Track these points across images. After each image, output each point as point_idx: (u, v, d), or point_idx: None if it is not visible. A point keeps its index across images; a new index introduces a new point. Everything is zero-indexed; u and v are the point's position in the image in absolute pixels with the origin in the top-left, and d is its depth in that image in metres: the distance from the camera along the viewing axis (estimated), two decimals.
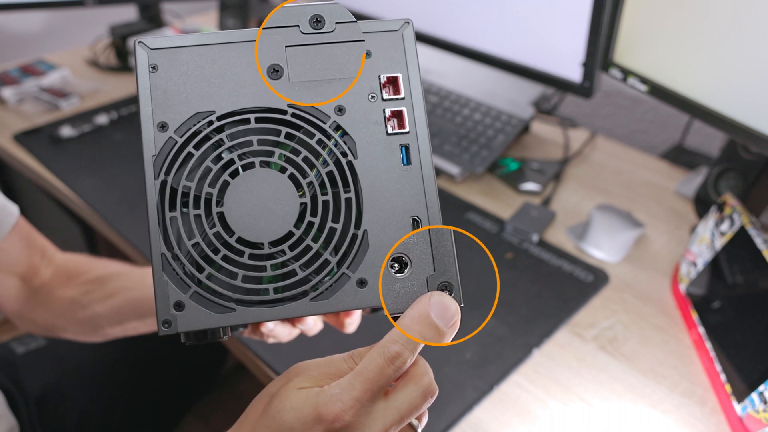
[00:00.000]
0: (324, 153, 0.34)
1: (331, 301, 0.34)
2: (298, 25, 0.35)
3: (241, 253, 0.32)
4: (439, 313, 0.31)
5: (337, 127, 0.34)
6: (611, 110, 1.22)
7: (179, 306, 0.32)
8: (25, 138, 0.97)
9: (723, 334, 0.60)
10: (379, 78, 0.36)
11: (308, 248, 0.33)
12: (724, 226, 0.64)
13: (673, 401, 0.59)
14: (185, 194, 0.33)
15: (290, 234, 0.33)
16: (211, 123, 0.34)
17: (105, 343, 0.86)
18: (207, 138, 0.34)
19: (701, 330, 0.63)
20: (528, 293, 0.69)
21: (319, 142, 0.34)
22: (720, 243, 0.64)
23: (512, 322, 0.65)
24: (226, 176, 0.33)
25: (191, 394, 1.00)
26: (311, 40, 0.35)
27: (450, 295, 0.33)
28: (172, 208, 0.33)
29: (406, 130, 0.35)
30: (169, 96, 0.34)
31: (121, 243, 0.80)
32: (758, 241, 0.59)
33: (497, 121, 0.91)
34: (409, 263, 0.34)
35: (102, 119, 1.00)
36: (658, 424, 0.57)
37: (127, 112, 1.03)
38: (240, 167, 0.33)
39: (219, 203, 0.33)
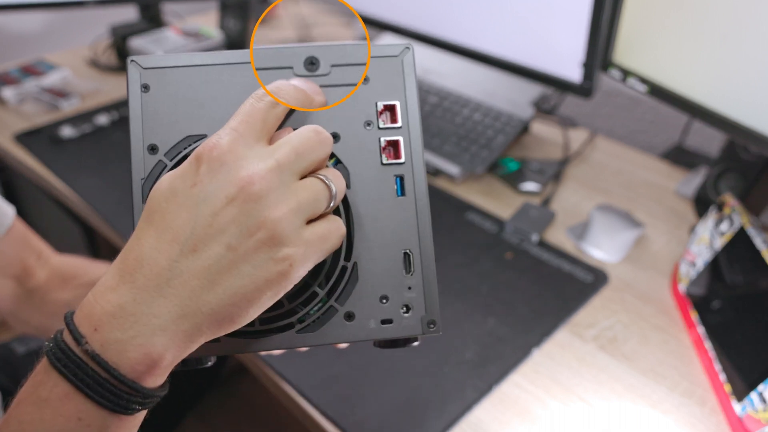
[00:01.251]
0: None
1: (318, 334, 0.33)
2: (291, 67, 0.34)
3: None
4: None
5: (331, 156, 0.33)
6: (611, 110, 1.23)
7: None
8: (25, 138, 0.97)
9: (722, 334, 0.60)
10: (376, 105, 0.34)
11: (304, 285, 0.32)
12: (724, 226, 0.65)
13: (673, 401, 0.59)
14: None
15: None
16: (198, 141, 0.32)
17: None
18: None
19: (701, 330, 0.63)
20: (528, 293, 0.69)
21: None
22: (719, 243, 0.64)
23: (512, 322, 0.66)
24: None
25: (191, 396, 1.00)
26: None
27: (433, 327, 0.34)
28: None
29: (402, 160, 0.34)
30: (160, 117, 0.33)
31: (121, 243, 0.80)
32: (758, 241, 0.59)
33: (497, 122, 0.91)
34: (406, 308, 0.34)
35: (102, 119, 1.00)
36: (658, 424, 0.57)
37: (127, 112, 1.03)
38: None
39: None
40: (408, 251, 0.34)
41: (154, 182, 0.32)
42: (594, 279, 0.71)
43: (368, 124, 0.34)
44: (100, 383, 0.27)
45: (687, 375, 0.61)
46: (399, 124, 0.34)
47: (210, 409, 1.31)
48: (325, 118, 0.33)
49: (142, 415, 0.30)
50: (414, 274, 0.34)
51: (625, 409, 0.58)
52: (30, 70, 1.13)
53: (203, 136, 0.33)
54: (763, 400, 0.52)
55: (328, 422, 0.56)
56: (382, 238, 0.33)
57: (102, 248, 1.04)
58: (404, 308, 0.35)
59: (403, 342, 0.36)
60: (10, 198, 1.26)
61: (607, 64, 0.79)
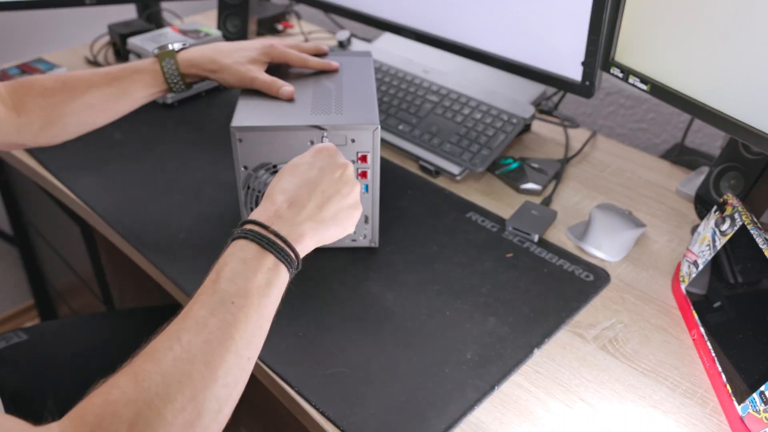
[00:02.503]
0: None
1: None
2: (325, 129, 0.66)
3: None
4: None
5: None
6: (612, 109, 1.22)
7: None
8: None
9: (724, 334, 0.60)
10: (357, 153, 0.67)
11: None
12: (725, 226, 0.64)
13: (674, 401, 0.59)
14: (261, 195, 0.67)
15: None
16: (270, 167, 0.67)
17: (89, 338, 0.86)
18: (269, 173, 0.67)
19: (702, 330, 0.63)
20: (529, 293, 0.69)
21: None
22: (721, 242, 0.64)
23: (513, 322, 0.65)
24: None
25: None
26: None
27: (374, 244, 0.74)
28: (250, 204, 0.69)
29: (368, 180, 0.69)
30: (248, 152, 0.66)
31: (119, 242, 0.80)
32: (759, 241, 0.59)
33: (497, 121, 0.91)
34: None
35: None
36: (659, 425, 0.57)
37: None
38: None
39: None
40: (366, 215, 0.72)
41: (249, 176, 0.68)
42: (595, 279, 0.71)
43: (353, 162, 0.67)
44: (279, 248, 0.49)
45: (688, 375, 0.61)
46: (368, 164, 0.68)
47: None
48: None
49: (287, 279, 0.50)
50: (368, 224, 0.72)
51: (626, 409, 0.58)
52: (29, 70, 1.12)
53: (270, 163, 0.67)
54: (764, 400, 0.52)
55: (327, 422, 0.56)
56: None
57: (101, 247, 1.04)
58: (363, 236, 0.73)
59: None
60: (10, 197, 1.26)
61: (608, 63, 0.79)
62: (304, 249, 0.52)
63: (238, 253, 0.48)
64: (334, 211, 0.54)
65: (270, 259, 0.48)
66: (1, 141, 0.66)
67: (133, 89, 0.69)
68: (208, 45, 0.74)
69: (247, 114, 0.68)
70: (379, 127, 0.65)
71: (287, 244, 0.49)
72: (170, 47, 0.71)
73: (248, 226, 0.50)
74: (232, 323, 0.44)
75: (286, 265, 0.49)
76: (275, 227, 0.49)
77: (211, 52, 0.72)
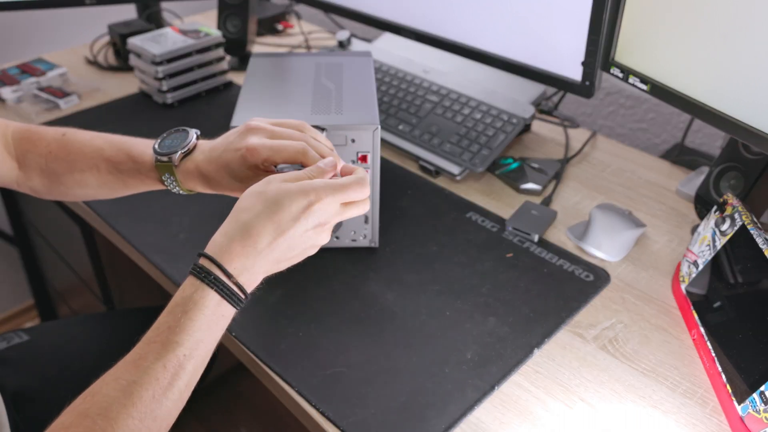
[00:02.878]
0: None
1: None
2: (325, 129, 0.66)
3: None
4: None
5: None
6: (612, 109, 1.22)
7: None
8: None
9: (724, 334, 0.60)
10: (357, 154, 0.67)
11: None
12: (725, 226, 0.64)
13: (674, 401, 0.59)
14: None
15: None
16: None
17: (89, 338, 0.86)
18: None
19: (702, 330, 0.63)
20: (529, 293, 0.69)
21: None
22: (721, 242, 0.64)
23: (513, 322, 0.65)
24: None
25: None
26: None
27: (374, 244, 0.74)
28: None
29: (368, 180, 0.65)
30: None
31: (119, 242, 0.80)
32: (759, 241, 0.59)
33: (497, 120, 0.91)
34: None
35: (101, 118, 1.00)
36: (659, 425, 0.57)
37: (127, 112, 1.03)
38: None
39: None
40: (365, 215, 0.72)
41: None
42: (595, 279, 0.71)
43: (353, 161, 0.67)
44: (238, 299, 0.49)
45: (688, 375, 0.61)
46: (368, 164, 0.68)
47: (209, 409, 1.31)
48: None
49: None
50: (368, 224, 0.73)
51: (626, 409, 0.58)
52: (29, 70, 1.12)
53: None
54: (764, 400, 0.52)
55: (327, 422, 0.56)
56: None
57: (101, 247, 1.04)
58: (363, 236, 0.74)
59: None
60: (11, 198, 1.26)
61: (608, 63, 0.79)
62: (253, 288, 0.51)
63: (199, 302, 0.47)
64: (296, 255, 0.52)
65: (228, 309, 0.48)
66: (1, 182, 0.66)
67: (133, 184, 0.65)
68: (207, 155, 0.62)
69: (247, 113, 0.68)
70: (379, 127, 0.66)
71: (245, 293, 0.49)
72: (174, 155, 0.61)
73: (210, 268, 0.48)
74: (183, 377, 0.45)
75: (237, 309, 0.49)
76: (236, 274, 0.48)
77: (208, 183, 0.62)
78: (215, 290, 0.47)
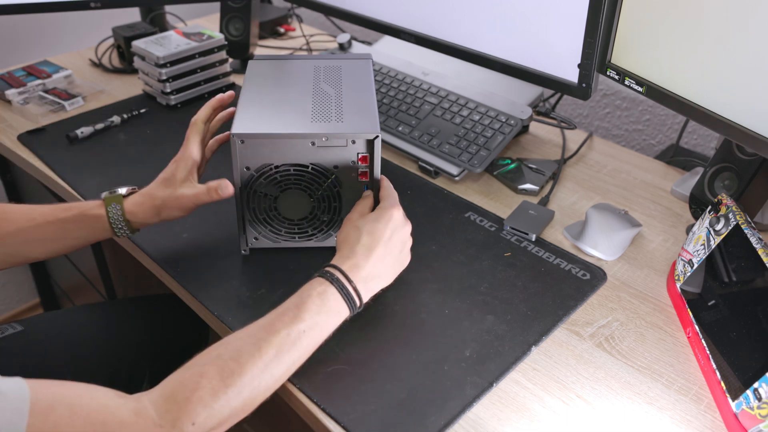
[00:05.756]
0: (324, 185, 0.69)
1: (325, 240, 0.74)
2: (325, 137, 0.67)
3: (283, 222, 0.72)
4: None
5: (331, 174, 0.69)
6: (608, 111, 1.23)
7: (256, 239, 0.73)
8: (29, 138, 0.98)
9: (718, 332, 0.61)
10: (358, 155, 0.68)
11: (315, 222, 0.72)
12: (720, 226, 0.65)
13: (669, 398, 0.60)
14: (262, 194, 0.70)
15: (307, 216, 0.72)
16: (271, 168, 0.68)
17: (83, 328, 0.87)
18: (270, 174, 0.69)
19: (697, 328, 0.64)
20: (526, 291, 0.70)
21: (323, 180, 0.69)
22: (715, 242, 0.65)
23: (511, 320, 0.66)
24: (278, 192, 0.70)
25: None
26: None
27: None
28: (251, 204, 0.70)
29: (368, 180, 0.69)
30: (251, 154, 0.67)
31: (123, 241, 0.81)
32: (753, 240, 0.60)
33: (495, 122, 0.92)
34: None
35: (107, 120, 1.01)
36: (655, 421, 0.58)
37: (131, 113, 1.04)
38: (285, 187, 0.70)
39: (275, 203, 0.70)
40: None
41: (250, 178, 0.69)
42: (591, 277, 0.72)
43: (353, 162, 0.68)
44: (353, 302, 0.59)
45: (683, 372, 0.62)
46: (368, 165, 0.69)
47: None
48: (334, 158, 0.68)
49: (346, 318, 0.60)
50: None
51: (622, 406, 0.59)
52: (34, 72, 1.14)
53: (272, 164, 0.68)
54: (758, 397, 0.53)
55: (329, 419, 0.57)
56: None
57: (105, 247, 1.05)
58: None
59: None
60: (17, 197, 1.27)
61: (604, 65, 0.80)
62: (368, 298, 0.62)
63: (323, 295, 0.58)
64: (400, 265, 0.66)
65: (344, 308, 0.59)
66: None
67: (73, 231, 0.67)
68: (154, 189, 0.69)
69: (247, 123, 0.67)
70: (380, 135, 0.66)
71: (360, 299, 0.60)
72: (118, 191, 0.69)
73: (336, 274, 0.59)
74: (298, 348, 0.55)
75: (351, 312, 0.60)
76: (355, 281, 0.59)
77: (150, 199, 0.68)
78: (336, 288, 0.58)
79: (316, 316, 0.56)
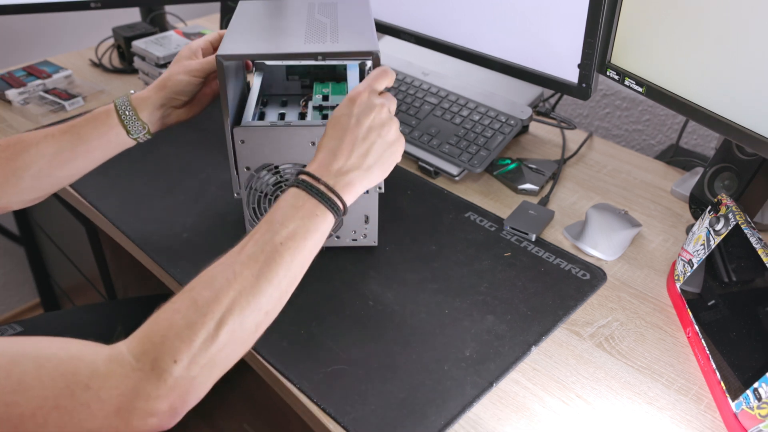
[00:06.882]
0: None
1: (328, 240, 0.66)
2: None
3: None
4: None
5: None
6: (608, 111, 1.23)
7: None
8: None
9: (718, 332, 0.61)
10: None
11: None
12: (720, 226, 0.65)
13: (669, 398, 0.60)
14: (263, 194, 0.70)
15: None
16: (271, 168, 0.68)
17: (83, 329, 0.87)
18: (270, 173, 0.69)
19: (697, 328, 0.64)
20: (526, 291, 0.70)
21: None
22: (715, 242, 0.65)
23: (511, 320, 0.66)
24: (278, 191, 0.69)
25: None
26: None
27: (374, 243, 0.75)
28: (251, 204, 0.71)
29: None
30: (251, 155, 0.67)
31: (124, 241, 0.81)
32: (753, 240, 0.60)
33: (495, 122, 0.92)
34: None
35: None
36: (655, 421, 0.58)
37: None
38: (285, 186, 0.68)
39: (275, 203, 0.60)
40: (366, 215, 0.72)
41: (251, 176, 0.69)
42: (591, 277, 0.72)
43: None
44: (328, 198, 0.54)
45: (683, 372, 0.62)
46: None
47: (212, 406, 1.32)
48: None
49: (331, 226, 0.55)
50: (368, 223, 0.73)
51: (622, 406, 0.59)
52: (34, 72, 1.14)
53: (272, 164, 0.68)
54: (758, 397, 0.53)
55: (328, 419, 0.57)
56: (355, 210, 0.72)
57: (106, 247, 1.05)
58: (363, 235, 0.74)
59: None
60: None
61: (604, 65, 0.80)
62: (351, 197, 0.56)
63: (291, 200, 0.53)
64: (377, 156, 0.57)
65: (320, 208, 0.53)
66: None
67: (87, 134, 0.66)
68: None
69: (235, 45, 0.63)
70: (380, 52, 0.61)
71: (336, 194, 0.54)
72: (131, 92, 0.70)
73: (302, 177, 0.54)
74: (278, 261, 0.50)
75: (333, 213, 0.54)
76: (325, 179, 0.54)
77: (155, 80, 0.71)
78: (304, 190, 0.53)
79: (291, 223, 0.52)
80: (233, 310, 0.47)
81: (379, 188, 0.70)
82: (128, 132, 0.68)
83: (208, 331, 0.46)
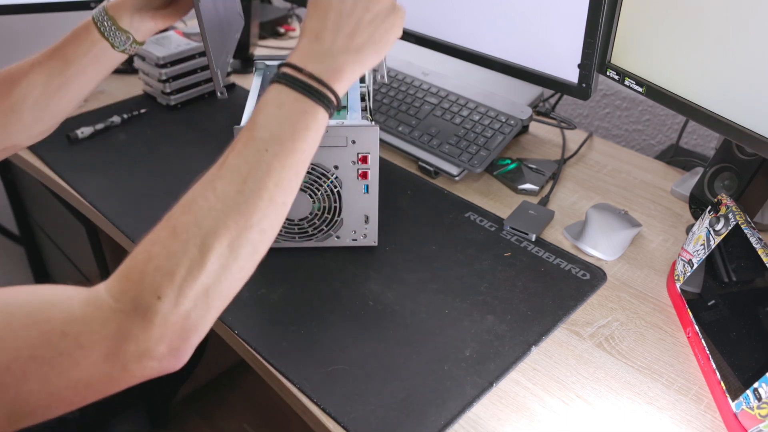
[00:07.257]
0: (325, 185, 0.70)
1: (326, 241, 0.74)
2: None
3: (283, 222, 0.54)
4: None
5: (335, 176, 0.69)
6: (608, 111, 1.23)
7: None
8: None
9: (718, 332, 0.61)
10: (357, 154, 0.68)
11: (315, 222, 0.73)
12: (720, 226, 0.65)
13: (669, 398, 0.60)
14: None
15: (307, 216, 0.72)
16: None
17: None
18: None
19: (697, 328, 0.64)
20: (526, 291, 0.70)
21: (324, 180, 0.70)
22: (715, 242, 0.65)
23: (511, 320, 0.66)
24: None
25: (178, 376, 1.00)
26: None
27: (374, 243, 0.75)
28: None
29: (368, 180, 0.70)
30: None
31: (124, 241, 0.81)
32: (753, 240, 0.60)
33: (495, 122, 0.92)
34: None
35: (108, 120, 1.01)
36: (655, 421, 0.58)
37: (131, 114, 1.04)
38: None
39: None
40: (367, 215, 0.73)
41: None
42: (591, 277, 0.72)
43: (353, 162, 0.69)
44: (315, 90, 0.47)
45: (683, 372, 0.62)
46: (368, 165, 0.69)
47: (212, 406, 1.32)
48: (334, 158, 0.68)
49: (326, 122, 0.48)
50: (368, 223, 0.74)
51: (622, 406, 0.59)
52: None
53: None
54: (758, 397, 0.53)
55: (328, 419, 0.57)
56: (355, 210, 0.72)
57: (106, 246, 1.05)
58: (363, 236, 0.74)
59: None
60: (17, 197, 1.27)
61: (604, 65, 0.80)
62: (342, 86, 0.49)
63: (275, 98, 0.47)
64: (367, 34, 0.50)
65: (307, 103, 0.47)
66: None
67: (71, 55, 0.61)
68: None
69: None
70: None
71: (323, 84, 0.47)
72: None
73: (283, 69, 0.48)
74: (265, 171, 0.44)
75: (323, 106, 0.47)
76: (309, 68, 0.47)
77: None
78: (286, 84, 0.46)
79: (275, 126, 0.45)
80: (218, 233, 0.42)
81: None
82: (113, 45, 0.63)
83: (192, 259, 0.41)
